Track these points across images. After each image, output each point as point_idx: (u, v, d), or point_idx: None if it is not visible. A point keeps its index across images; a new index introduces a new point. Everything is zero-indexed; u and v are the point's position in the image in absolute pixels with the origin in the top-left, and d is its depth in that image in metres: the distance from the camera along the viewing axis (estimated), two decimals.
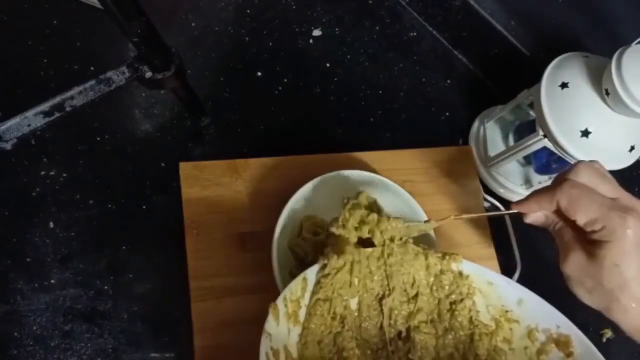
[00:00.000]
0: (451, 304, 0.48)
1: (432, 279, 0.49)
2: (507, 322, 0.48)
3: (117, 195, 0.56)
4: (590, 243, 0.40)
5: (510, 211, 0.45)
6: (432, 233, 0.55)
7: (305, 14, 0.71)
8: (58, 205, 0.55)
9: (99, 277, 0.53)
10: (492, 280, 0.48)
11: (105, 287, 0.53)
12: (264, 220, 0.52)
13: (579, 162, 0.42)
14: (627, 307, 0.39)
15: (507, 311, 0.48)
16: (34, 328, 0.50)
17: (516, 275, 0.63)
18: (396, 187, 0.55)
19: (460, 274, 0.49)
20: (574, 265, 0.41)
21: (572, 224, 0.41)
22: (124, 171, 0.58)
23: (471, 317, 0.48)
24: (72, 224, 0.54)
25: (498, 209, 0.67)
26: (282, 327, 0.42)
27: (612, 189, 0.40)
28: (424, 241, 0.54)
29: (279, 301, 0.42)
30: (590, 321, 0.52)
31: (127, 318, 0.52)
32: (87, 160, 0.57)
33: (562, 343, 0.45)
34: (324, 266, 0.45)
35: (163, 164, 0.59)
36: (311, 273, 0.45)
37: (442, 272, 0.49)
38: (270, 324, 0.40)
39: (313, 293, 0.45)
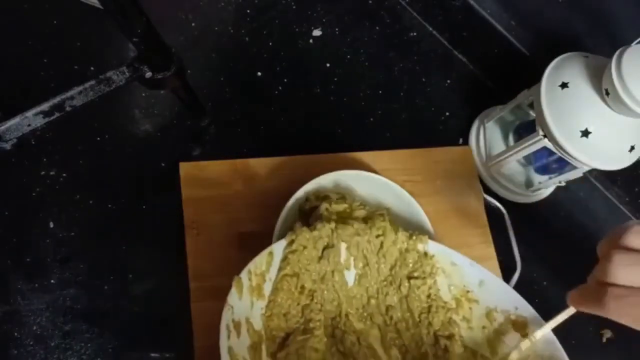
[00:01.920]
0: (409, 278, 0.50)
1: (397, 255, 0.51)
2: (467, 302, 0.50)
3: (117, 195, 0.56)
4: None
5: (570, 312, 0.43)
6: (431, 230, 0.55)
7: (305, 14, 0.71)
8: (58, 205, 0.55)
9: (99, 277, 0.53)
10: (456, 261, 0.50)
11: (105, 287, 0.53)
12: (264, 220, 0.52)
13: (611, 256, 0.35)
14: None
15: (468, 291, 0.50)
16: (34, 328, 0.50)
17: (516, 275, 0.63)
18: (396, 187, 0.55)
19: (426, 254, 0.51)
20: None
21: None
22: (124, 171, 0.57)
23: (430, 294, 0.50)
24: (72, 224, 0.54)
25: (498, 208, 0.67)
26: (244, 300, 0.43)
27: None
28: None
29: (243, 274, 0.43)
30: (590, 321, 0.52)
31: (127, 318, 0.52)
32: (87, 160, 0.57)
33: (519, 324, 0.47)
34: (291, 242, 0.46)
35: (163, 164, 0.59)
36: (278, 248, 0.46)
37: (407, 250, 0.50)
38: (233, 297, 0.41)
39: (280, 269, 0.46)
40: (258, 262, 0.44)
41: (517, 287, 0.52)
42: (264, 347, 0.43)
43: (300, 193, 0.52)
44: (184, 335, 0.51)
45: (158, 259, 0.55)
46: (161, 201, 0.57)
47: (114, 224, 0.55)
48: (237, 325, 0.41)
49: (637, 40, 0.58)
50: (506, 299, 0.48)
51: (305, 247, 0.47)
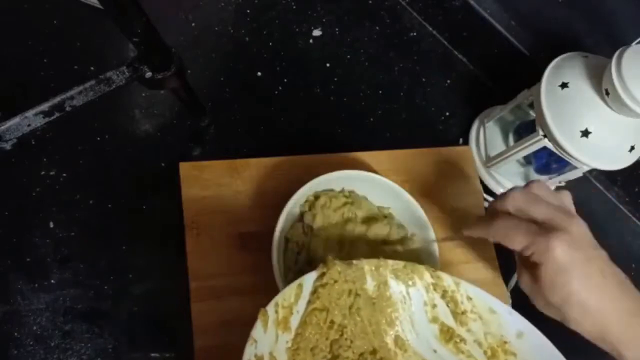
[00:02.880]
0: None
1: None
2: (503, 354, 0.47)
3: (117, 195, 0.56)
4: (532, 265, 0.42)
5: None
6: (434, 239, 0.54)
7: (305, 14, 0.71)
8: (58, 205, 0.55)
9: (99, 277, 0.53)
10: (495, 308, 0.47)
11: (105, 287, 0.53)
12: (264, 220, 0.52)
13: (512, 189, 0.45)
14: (578, 319, 0.41)
15: (505, 342, 0.47)
16: (34, 328, 0.50)
17: (516, 276, 0.63)
18: (396, 187, 0.55)
19: (469, 297, 0.48)
20: (524, 285, 0.44)
21: None
22: (124, 171, 0.57)
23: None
24: (72, 224, 0.54)
25: None
26: (269, 334, 0.41)
27: (545, 211, 0.42)
28: (426, 251, 0.54)
29: (270, 307, 0.41)
30: None
31: (127, 318, 0.52)
32: (87, 160, 0.57)
33: None
34: (322, 275, 0.44)
35: (163, 164, 0.59)
36: (308, 280, 0.44)
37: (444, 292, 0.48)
38: (257, 330, 0.39)
39: (309, 302, 0.44)
40: (287, 294, 0.43)
41: (516, 287, 0.52)
42: None
43: (300, 193, 0.52)
44: (184, 335, 0.51)
45: (158, 259, 0.55)
46: (161, 201, 0.57)
47: (114, 224, 0.55)
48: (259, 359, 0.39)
49: (637, 40, 0.58)
50: (545, 355, 0.45)
51: (336, 281, 0.45)
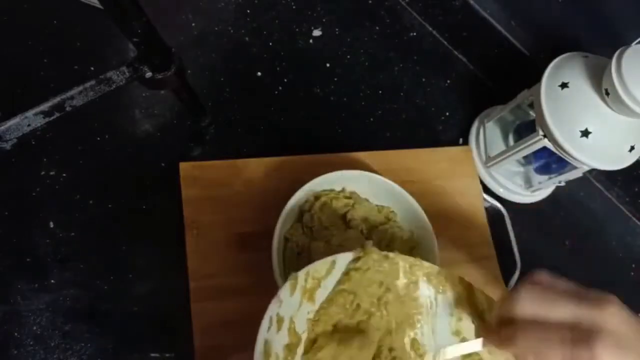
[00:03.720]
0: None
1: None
2: None
3: (117, 195, 0.56)
4: None
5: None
6: (434, 239, 0.54)
7: (305, 14, 0.71)
8: (58, 205, 0.55)
9: (99, 277, 0.53)
10: None
11: (105, 287, 0.53)
12: (264, 220, 0.52)
13: (516, 291, 0.37)
14: None
15: None
16: (34, 328, 0.50)
17: (516, 275, 0.63)
18: (396, 187, 0.55)
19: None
20: None
21: None
22: (124, 171, 0.57)
23: None
24: (72, 224, 0.54)
25: (498, 208, 0.67)
26: (294, 299, 0.41)
27: (568, 310, 0.35)
28: (426, 250, 0.54)
29: (301, 273, 0.41)
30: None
31: (127, 318, 0.52)
32: (87, 160, 0.57)
33: None
34: (357, 258, 0.44)
35: (163, 164, 0.59)
36: (342, 259, 0.44)
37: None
38: (285, 292, 0.40)
39: (339, 282, 0.44)
40: (318, 267, 0.43)
41: (516, 288, 0.52)
42: (299, 350, 0.41)
43: (300, 193, 0.52)
44: (184, 335, 0.51)
45: (158, 259, 0.55)
46: (161, 201, 0.57)
47: (113, 224, 0.55)
48: (280, 320, 0.40)
49: (637, 40, 0.58)
50: None
51: (369, 269, 0.44)
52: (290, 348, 0.41)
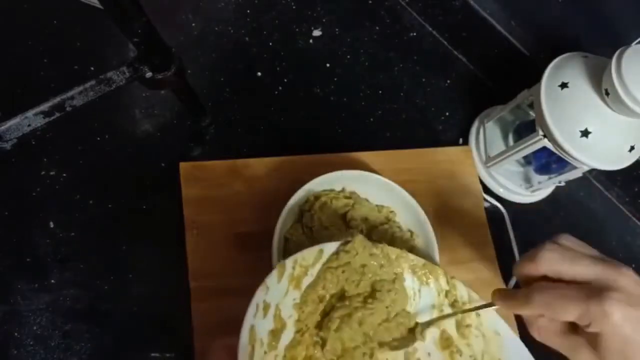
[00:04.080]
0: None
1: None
2: None
3: (117, 195, 0.56)
4: (588, 335, 0.37)
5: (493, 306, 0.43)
6: (434, 239, 0.54)
7: (305, 14, 0.71)
8: (58, 205, 0.55)
9: (99, 277, 0.53)
10: (501, 331, 0.46)
11: (105, 287, 0.53)
12: (264, 220, 0.52)
13: (540, 248, 0.38)
14: None
15: None
16: (34, 328, 0.50)
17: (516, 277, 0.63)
18: (396, 187, 0.55)
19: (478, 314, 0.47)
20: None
21: None
22: (124, 171, 0.57)
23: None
24: (72, 224, 0.54)
25: (498, 208, 0.67)
26: (281, 286, 0.42)
27: (587, 269, 0.37)
28: (426, 250, 0.55)
29: (288, 261, 0.42)
30: None
31: (127, 318, 0.52)
32: (87, 160, 0.57)
33: None
34: (346, 242, 0.45)
35: (163, 164, 0.59)
36: (329, 247, 0.45)
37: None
38: (272, 279, 0.41)
39: (325, 262, 0.45)
40: (306, 255, 0.44)
41: (516, 288, 0.52)
42: (283, 335, 0.42)
43: (300, 193, 0.52)
44: (184, 335, 0.51)
45: (158, 259, 0.55)
46: (161, 201, 0.57)
47: (113, 224, 0.55)
48: (266, 307, 0.41)
49: (637, 40, 0.58)
50: None
51: (357, 253, 0.46)
52: (274, 334, 0.41)
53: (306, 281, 0.44)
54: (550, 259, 0.37)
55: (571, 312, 0.35)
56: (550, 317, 0.37)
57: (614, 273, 0.36)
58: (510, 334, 0.45)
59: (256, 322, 0.39)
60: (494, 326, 0.46)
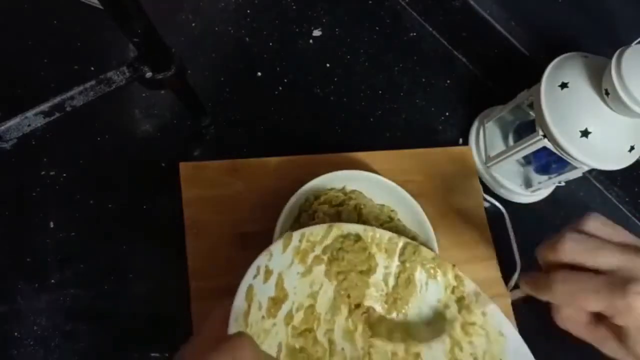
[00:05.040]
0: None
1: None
2: None
3: (117, 195, 0.56)
4: (613, 327, 0.36)
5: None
6: (434, 239, 0.54)
7: (305, 14, 0.71)
8: (58, 205, 0.55)
9: (99, 277, 0.53)
10: (505, 333, 0.46)
11: (105, 287, 0.53)
12: (264, 220, 0.52)
13: (564, 234, 0.38)
14: None
15: None
16: (34, 328, 0.50)
17: (516, 275, 0.63)
18: (396, 187, 0.55)
19: (483, 313, 0.47)
20: (612, 352, 0.37)
21: None
22: (124, 171, 0.57)
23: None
24: (72, 224, 0.54)
25: (498, 208, 0.67)
26: (286, 257, 0.42)
27: (611, 259, 0.35)
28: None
29: (296, 234, 0.42)
30: None
31: (127, 318, 0.52)
32: (87, 160, 0.57)
33: None
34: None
35: (163, 164, 0.59)
36: (340, 227, 0.45)
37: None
38: (276, 247, 0.40)
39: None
40: (315, 231, 0.44)
41: (515, 288, 0.52)
42: (284, 307, 0.42)
43: (300, 193, 0.52)
44: (184, 335, 0.50)
45: (158, 259, 0.55)
46: (161, 201, 0.57)
47: (114, 224, 0.55)
48: (268, 272, 0.40)
49: (637, 40, 0.58)
50: None
51: (367, 245, 0.46)
52: (275, 302, 0.41)
53: (310, 257, 0.44)
54: (571, 250, 0.36)
55: (594, 305, 0.35)
56: (572, 307, 0.36)
57: (639, 261, 0.34)
58: (515, 337, 0.45)
59: (255, 284, 0.38)
60: (499, 327, 0.46)
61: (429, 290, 0.49)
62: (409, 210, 0.56)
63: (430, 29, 0.76)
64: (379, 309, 0.48)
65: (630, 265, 0.35)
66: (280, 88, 0.66)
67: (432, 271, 0.49)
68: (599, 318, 0.37)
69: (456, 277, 0.48)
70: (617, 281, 0.34)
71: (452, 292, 0.48)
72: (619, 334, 0.35)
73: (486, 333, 0.46)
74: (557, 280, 0.36)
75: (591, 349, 0.38)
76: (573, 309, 0.37)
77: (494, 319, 0.46)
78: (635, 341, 0.34)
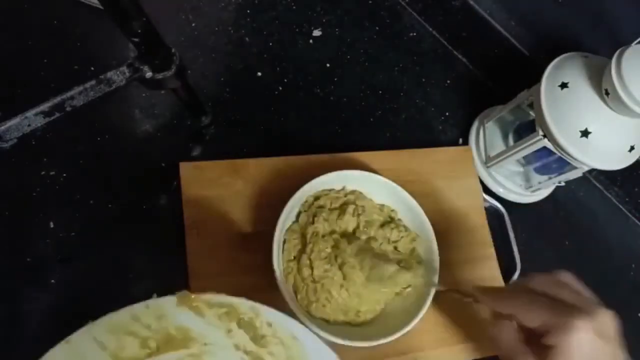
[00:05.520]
0: None
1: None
2: None
3: (117, 195, 0.56)
4: (541, 348, 0.37)
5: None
6: (434, 239, 0.54)
7: (305, 14, 0.71)
8: (58, 205, 0.55)
9: (99, 277, 0.53)
10: (297, 335, 0.44)
11: (105, 287, 0.53)
12: (264, 220, 0.52)
13: (535, 276, 0.42)
14: None
15: None
16: (34, 328, 0.50)
17: (516, 275, 0.63)
18: (396, 187, 0.55)
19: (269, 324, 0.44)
20: None
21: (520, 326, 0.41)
22: (124, 171, 0.57)
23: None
24: (72, 224, 0.54)
25: (497, 208, 0.67)
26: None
27: (571, 295, 0.39)
28: (426, 250, 0.55)
29: None
30: None
31: None
32: (87, 160, 0.57)
33: None
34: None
35: (163, 164, 0.59)
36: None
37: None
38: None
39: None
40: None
41: (517, 286, 0.52)
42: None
43: (300, 193, 0.52)
44: None
45: (158, 259, 0.55)
46: (161, 201, 0.57)
47: (114, 224, 0.55)
48: None
49: (637, 40, 0.58)
50: None
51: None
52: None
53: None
54: (540, 281, 0.41)
55: (538, 316, 0.38)
56: (519, 318, 0.39)
57: (595, 307, 0.37)
58: (307, 336, 0.44)
59: None
60: (290, 331, 0.44)
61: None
62: (409, 210, 0.56)
63: (430, 28, 0.76)
64: None
65: (584, 304, 0.38)
66: (280, 88, 0.66)
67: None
68: (528, 339, 0.39)
69: (223, 304, 0.45)
70: (569, 308, 0.37)
71: (228, 319, 0.45)
72: (542, 355, 0.37)
73: (280, 340, 0.44)
74: (520, 294, 0.41)
75: None
76: (511, 324, 0.40)
77: (281, 326, 0.44)
78: None
